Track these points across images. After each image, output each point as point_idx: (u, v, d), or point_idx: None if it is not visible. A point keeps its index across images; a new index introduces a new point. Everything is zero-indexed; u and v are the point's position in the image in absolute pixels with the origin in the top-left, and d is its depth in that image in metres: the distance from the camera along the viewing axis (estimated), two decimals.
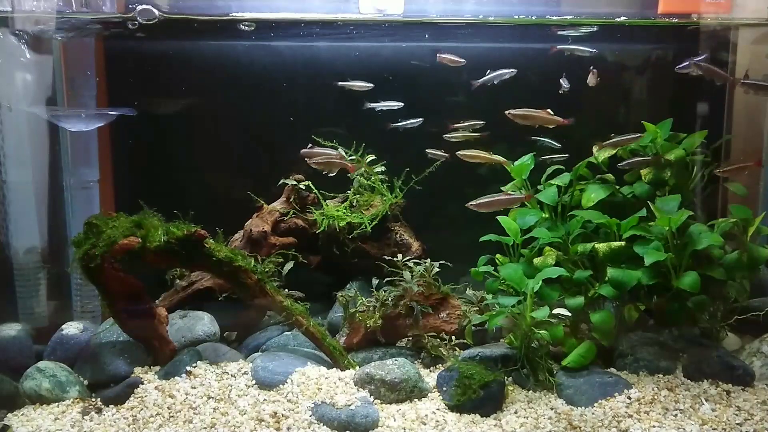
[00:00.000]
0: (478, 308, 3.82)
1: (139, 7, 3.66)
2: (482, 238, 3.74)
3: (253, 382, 3.32)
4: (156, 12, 3.69)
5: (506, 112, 3.78)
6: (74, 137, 4.22)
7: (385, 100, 4.23)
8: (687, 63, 3.74)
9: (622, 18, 4.01)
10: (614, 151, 3.89)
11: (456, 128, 4.06)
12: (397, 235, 4.22)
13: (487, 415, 3.08)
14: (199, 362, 3.47)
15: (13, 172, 3.87)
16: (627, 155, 3.93)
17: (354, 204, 4.20)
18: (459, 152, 3.91)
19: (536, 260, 3.63)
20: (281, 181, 4.26)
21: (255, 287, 3.46)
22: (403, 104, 4.18)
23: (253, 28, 3.99)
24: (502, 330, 3.68)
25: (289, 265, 4.02)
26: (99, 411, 3.15)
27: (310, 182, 4.23)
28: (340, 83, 4.16)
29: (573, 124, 3.82)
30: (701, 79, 3.83)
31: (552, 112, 3.78)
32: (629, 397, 3.17)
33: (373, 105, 4.17)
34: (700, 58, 3.73)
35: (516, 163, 3.87)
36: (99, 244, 3.24)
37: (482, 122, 4.06)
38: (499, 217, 3.75)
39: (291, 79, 4.51)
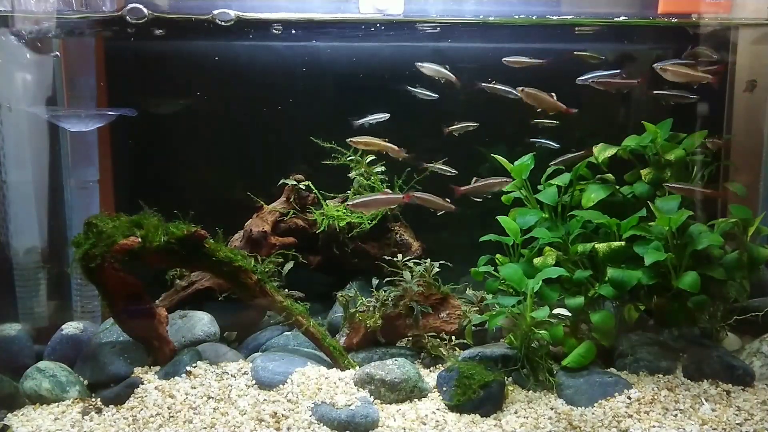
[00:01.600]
0: (478, 308, 3.82)
1: (129, 6, 3.65)
2: (482, 238, 3.74)
3: (253, 382, 3.32)
4: (145, 11, 3.69)
5: (518, 89, 3.82)
6: (74, 137, 4.22)
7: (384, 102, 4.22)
8: (587, 77, 3.86)
9: (622, 18, 4.01)
10: (614, 151, 3.89)
11: (450, 131, 4.05)
12: (397, 235, 4.22)
13: (487, 415, 3.08)
14: (199, 362, 3.46)
15: (13, 172, 3.87)
16: (627, 155, 3.94)
17: None
18: (350, 139, 3.94)
19: (536, 260, 3.63)
20: (281, 181, 4.26)
21: (255, 287, 3.47)
22: (389, 115, 4.13)
23: (280, 31, 3.99)
24: (502, 330, 3.68)
25: (289, 265, 4.03)
26: (99, 411, 3.15)
27: (309, 182, 4.23)
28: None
29: (574, 119, 3.82)
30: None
31: (555, 97, 3.83)
32: (629, 397, 3.17)
33: (361, 121, 4.13)
34: (593, 75, 3.86)
35: (516, 163, 3.87)
36: (99, 244, 3.24)
37: (476, 124, 4.04)
38: (499, 217, 3.76)
39: (291, 78, 4.51)
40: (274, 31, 4.13)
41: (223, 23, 3.79)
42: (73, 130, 4.14)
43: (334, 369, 3.44)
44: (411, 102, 4.18)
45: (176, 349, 3.56)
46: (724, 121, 4.35)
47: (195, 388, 3.26)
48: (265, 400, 3.16)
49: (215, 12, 3.80)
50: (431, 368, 3.55)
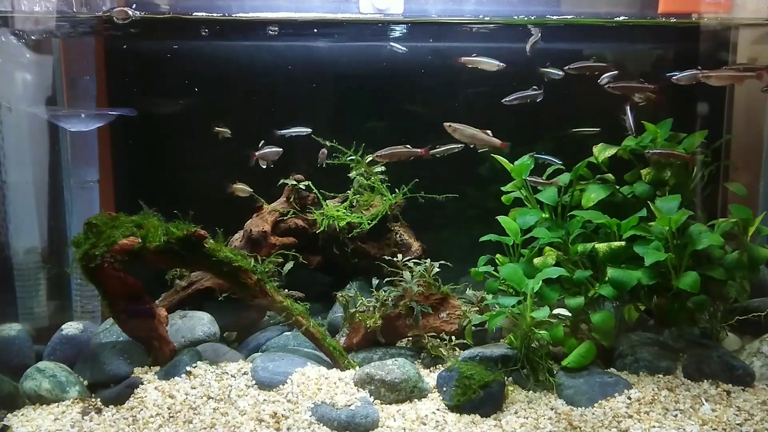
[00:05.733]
0: (478, 308, 3.82)
1: (116, 9, 3.68)
2: (482, 238, 3.73)
3: (253, 382, 3.32)
4: (130, 12, 3.70)
5: (445, 124, 3.71)
6: (74, 137, 4.22)
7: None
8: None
9: (622, 18, 4.01)
10: (614, 151, 3.89)
11: (433, 154, 4.04)
12: (397, 235, 4.22)
13: (487, 416, 3.08)
14: (199, 362, 3.46)
15: (13, 172, 3.87)
16: (627, 155, 3.94)
17: (354, 204, 4.20)
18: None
19: (536, 260, 3.63)
20: (281, 181, 4.26)
21: (255, 287, 3.46)
22: (311, 130, 4.14)
23: (276, 33, 3.97)
24: (502, 330, 3.68)
25: (289, 265, 4.02)
26: (99, 411, 3.15)
27: (309, 182, 4.23)
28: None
29: (575, 120, 3.80)
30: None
31: (490, 133, 3.69)
32: (629, 398, 3.17)
33: (283, 132, 4.14)
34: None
35: (516, 163, 3.87)
36: (99, 244, 3.24)
37: (460, 146, 4.02)
38: (499, 217, 3.76)
39: (290, 78, 4.51)
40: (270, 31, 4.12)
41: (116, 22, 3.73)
42: (73, 130, 4.14)
43: (334, 369, 3.44)
44: (414, 101, 4.18)
45: (176, 349, 3.56)
46: (724, 121, 4.35)
47: (195, 388, 3.26)
48: (265, 400, 3.16)
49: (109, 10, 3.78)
50: (431, 368, 3.55)
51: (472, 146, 3.75)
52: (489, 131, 3.68)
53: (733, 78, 3.72)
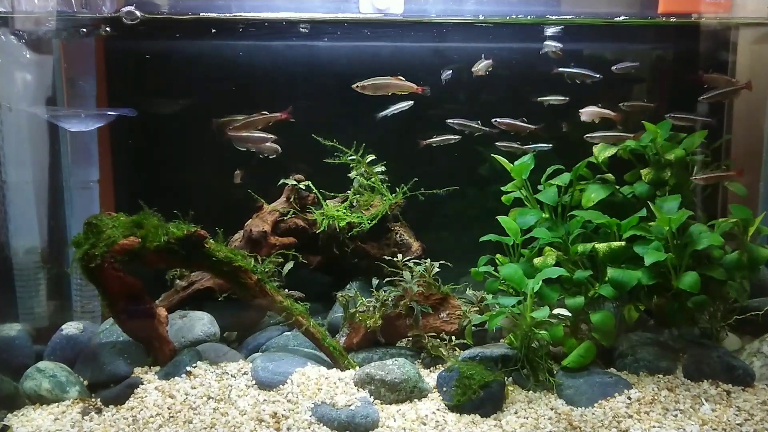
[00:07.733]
0: (478, 308, 3.82)
1: (124, 9, 3.69)
2: (482, 238, 3.74)
3: (253, 382, 3.32)
4: (138, 13, 3.70)
5: (354, 85, 3.75)
6: (74, 137, 4.22)
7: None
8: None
9: (622, 18, 4.01)
10: (615, 151, 3.89)
11: (428, 143, 4.03)
12: (397, 235, 4.22)
13: (487, 416, 3.08)
14: (199, 362, 3.46)
15: (13, 172, 3.87)
16: (627, 155, 3.94)
17: (354, 204, 4.20)
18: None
19: (536, 260, 3.63)
20: (281, 181, 4.26)
21: (255, 287, 3.46)
22: (412, 102, 4.08)
23: (307, 31, 3.98)
24: (502, 330, 3.68)
25: (289, 265, 4.02)
26: (99, 411, 3.15)
27: (310, 182, 4.23)
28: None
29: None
30: (701, 79, 3.85)
31: (403, 78, 3.70)
32: (629, 398, 3.17)
33: (384, 113, 4.11)
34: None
35: (516, 162, 3.87)
36: (99, 244, 3.24)
37: (458, 137, 4.02)
38: (499, 217, 3.76)
39: (290, 78, 4.51)
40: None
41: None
42: (73, 130, 4.14)
43: (334, 369, 3.44)
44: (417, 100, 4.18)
45: (176, 349, 3.56)
46: (724, 121, 4.35)
47: (195, 388, 3.26)
48: (265, 400, 3.16)
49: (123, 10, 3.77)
50: (431, 368, 3.55)
51: (389, 94, 3.76)
52: (402, 77, 3.68)
53: (601, 114, 3.96)
